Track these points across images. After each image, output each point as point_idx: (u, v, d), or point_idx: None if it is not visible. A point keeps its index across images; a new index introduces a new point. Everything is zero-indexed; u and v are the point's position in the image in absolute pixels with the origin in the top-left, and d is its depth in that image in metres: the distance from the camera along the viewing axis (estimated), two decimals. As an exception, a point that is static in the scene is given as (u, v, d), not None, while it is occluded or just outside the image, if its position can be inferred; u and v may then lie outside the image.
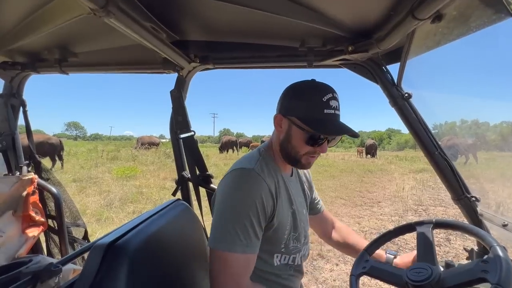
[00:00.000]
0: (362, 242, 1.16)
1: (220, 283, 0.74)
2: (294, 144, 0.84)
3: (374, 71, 1.09)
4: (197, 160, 1.33)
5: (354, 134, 0.81)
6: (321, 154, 0.88)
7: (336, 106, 0.82)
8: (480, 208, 1.05)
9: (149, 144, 18.80)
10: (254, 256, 0.79)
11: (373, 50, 0.97)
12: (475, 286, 0.83)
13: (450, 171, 1.04)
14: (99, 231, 4.18)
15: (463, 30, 0.73)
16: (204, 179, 1.35)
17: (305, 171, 1.13)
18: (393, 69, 1.09)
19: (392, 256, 1.08)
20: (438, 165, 1.04)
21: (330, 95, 0.80)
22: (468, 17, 0.68)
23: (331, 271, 3.16)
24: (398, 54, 1.07)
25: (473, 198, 1.04)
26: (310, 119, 0.79)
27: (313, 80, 0.87)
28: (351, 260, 3.44)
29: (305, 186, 1.10)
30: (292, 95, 0.85)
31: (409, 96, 1.04)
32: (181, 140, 1.36)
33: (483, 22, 0.67)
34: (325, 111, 0.79)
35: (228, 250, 0.74)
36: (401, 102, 1.04)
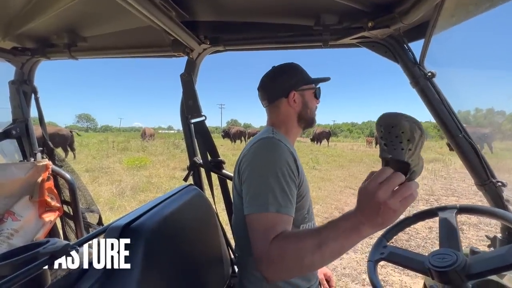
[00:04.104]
0: None
1: (256, 242, 0.70)
2: (310, 106, 1.02)
3: (394, 49, 1.03)
4: (208, 145, 1.31)
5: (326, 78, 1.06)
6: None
7: None
8: (506, 194, 1.00)
9: (150, 135, 22.04)
10: (290, 218, 0.75)
11: (396, 25, 0.91)
12: (504, 273, 0.80)
13: (475, 154, 0.98)
14: (113, 218, 4.30)
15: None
16: (216, 165, 1.33)
17: None
18: (414, 47, 1.03)
19: None
20: (462, 148, 0.99)
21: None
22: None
23: (340, 259, 3.16)
24: (420, 30, 1.00)
25: (499, 183, 0.99)
26: (311, 80, 1.03)
27: (283, 64, 1.04)
28: (360, 248, 3.43)
29: None
30: (290, 75, 1.01)
31: (433, 75, 0.97)
32: (192, 125, 1.34)
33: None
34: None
35: (260, 211, 0.72)
36: (423, 82, 0.98)
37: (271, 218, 0.71)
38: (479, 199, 5.45)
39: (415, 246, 3.49)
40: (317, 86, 1.05)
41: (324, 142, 24.02)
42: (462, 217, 4.32)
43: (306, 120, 1.02)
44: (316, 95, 1.04)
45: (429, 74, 0.97)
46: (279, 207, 0.73)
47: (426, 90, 0.98)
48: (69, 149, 12.01)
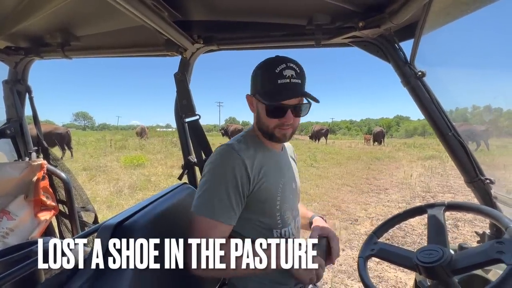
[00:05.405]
0: (305, 213, 1.13)
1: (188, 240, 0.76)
2: (263, 120, 0.87)
3: (385, 48, 1.04)
4: (203, 144, 1.32)
5: (304, 95, 0.82)
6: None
7: (292, 74, 0.81)
8: (494, 191, 1.02)
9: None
10: (222, 225, 0.79)
11: (386, 25, 0.92)
12: (488, 267, 0.81)
13: (464, 152, 1.00)
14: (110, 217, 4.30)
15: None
16: (210, 164, 1.34)
17: (291, 152, 1.12)
18: (405, 46, 1.04)
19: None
20: (452, 146, 1.01)
21: (283, 66, 0.80)
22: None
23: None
24: (411, 30, 1.02)
25: (487, 180, 1.00)
26: (265, 92, 0.83)
27: (275, 56, 0.86)
28: (357, 245, 3.46)
29: (293, 162, 1.10)
30: (253, 75, 0.88)
31: (423, 74, 0.99)
32: (186, 124, 1.35)
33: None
34: (279, 81, 0.80)
35: (197, 213, 0.79)
36: (414, 82, 0.99)
37: (203, 223, 0.78)
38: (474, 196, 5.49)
39: (411, 242, 3.53)
40: (270, 104, 0.82)
41: (323, 139, 24.12)
42: (458, 214, 4.37)
43: (262, 130, 0.90)
44: (268, 113, 0.83)
45: (420, 73, 0.98)
46: (213, 215, 0.78)
47: (417, 89, 1.00)
48: (66, 147, 11.96)
